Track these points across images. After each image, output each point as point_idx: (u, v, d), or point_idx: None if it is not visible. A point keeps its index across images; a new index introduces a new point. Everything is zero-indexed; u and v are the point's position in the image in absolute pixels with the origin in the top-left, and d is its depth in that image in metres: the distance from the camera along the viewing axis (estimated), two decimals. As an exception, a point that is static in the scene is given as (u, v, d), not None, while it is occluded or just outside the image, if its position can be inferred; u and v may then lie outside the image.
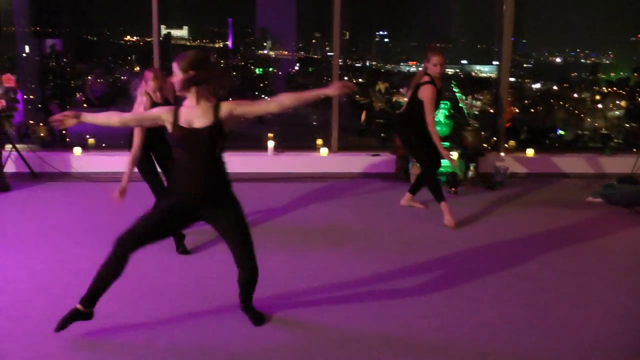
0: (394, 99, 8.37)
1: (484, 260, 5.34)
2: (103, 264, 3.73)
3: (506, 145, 8.90)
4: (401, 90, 8.31)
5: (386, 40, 17.32)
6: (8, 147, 7.99)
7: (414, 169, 7.88)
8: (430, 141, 6.12)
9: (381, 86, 8.62)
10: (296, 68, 15.34)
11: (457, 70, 15.87)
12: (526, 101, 12.71)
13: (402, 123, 6.41)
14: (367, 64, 16.63)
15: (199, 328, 4.01)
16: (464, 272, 5.07)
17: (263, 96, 13.96)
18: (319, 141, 8.95)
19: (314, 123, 12.48)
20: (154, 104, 5.14)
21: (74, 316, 3.78)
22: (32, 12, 8.96)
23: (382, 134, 9.52)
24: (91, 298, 3.78)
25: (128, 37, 16.19)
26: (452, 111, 8.20)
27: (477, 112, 8.22)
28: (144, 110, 5.00)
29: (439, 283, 4.82)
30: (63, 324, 3.76)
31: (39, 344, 3.79)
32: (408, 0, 15.37)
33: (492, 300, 4.50)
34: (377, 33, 16.85)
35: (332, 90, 3.81)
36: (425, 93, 6.07)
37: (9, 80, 7.46)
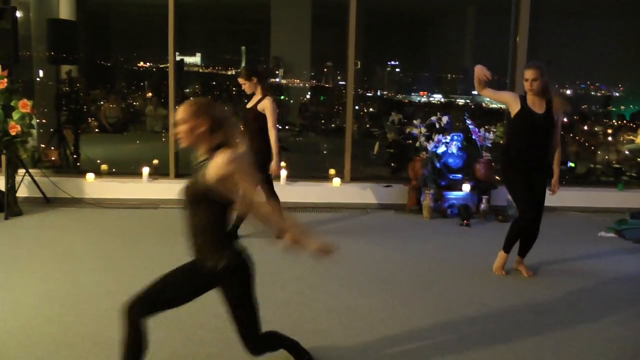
0: (407, 130, 8.38)
1: (499, 295, 5.30)
2: None
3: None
4: (414, 121, 8.31)
5: (397, 70, 17.42)
6: (21, 171, 8.01)
7: (426, 201, 7.87)
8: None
9: (395, 117, 8.63)
10: (308, 96, 15.43)
11: (468, 101, 15.94)
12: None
13: None
14: (379, 93, 16.72)
15: None
16: (479, 305, 5.03)
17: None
18: (332, 171, 8.94)
19: (324, 152, 12.50)
20: None
21: None
22: (48, 37, 9.02)
23: (393, 164, 9.53)
24: None
25: (141, 64, 16.35)
26: (465, 143, 8.19)
27: (490, 144, 8.22)
28: None
29: (455, 318, 4.78)
30: None
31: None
32: (420, 30, 15.47)
33: (507, 336, 4.45)
34: (388, 63, 16.96)
35: (312, 247, 3.24)
36: None
37: (25, 105, 7.50)
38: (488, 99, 15.05)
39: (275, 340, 3.67)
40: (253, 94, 6.62)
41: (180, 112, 3.23)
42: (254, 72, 6.58)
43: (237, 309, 3.38)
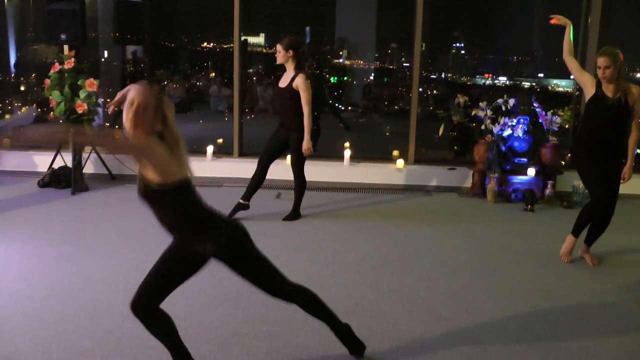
0: (473, 112, 8.23)
1: (563, 283, 5.18)
2: None
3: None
4: (480, 104, 8.15)
5: (462, 52, 17.14)
6: (87, 148, 8.18)
7: (491, 185, 7.73)
8: None
9: (461, 99, 8.48)
10: (371, 78, 15.33)
11: (534, 84, 15.58)
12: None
13: None
14: (443, 75, 16.48)
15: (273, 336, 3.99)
16: (542, 293, 4.93)
17: (337, 105, 13.98)
18: (395, 152, 8.85)
19: (387, 134, 12.41)
20: None
21: None
22: (114, 18, 9.16)
23: (455, 148, 9.40)
24: None
25: (205, 44, 16.47)
26: (531, 127, 8.00)
27: (556, 129, 8.02)
28: None
29: (517, 305, 4.69)
30: None
31: (115, 341, 3.88)
32: (486, 12, 15.15)
33: (571, 326, 4.35)
34: (454, 45, 16.70)
35: None
36: None
37: (92, 85, 7.64)
38: (554, 82, 14.73)
39: (306, 298, 3.59)
40: (284, 70, 6.59)
41: (138, 93, 3.28)
42: (294, 45, 6.48)
43: (247, 275, 3.40)
